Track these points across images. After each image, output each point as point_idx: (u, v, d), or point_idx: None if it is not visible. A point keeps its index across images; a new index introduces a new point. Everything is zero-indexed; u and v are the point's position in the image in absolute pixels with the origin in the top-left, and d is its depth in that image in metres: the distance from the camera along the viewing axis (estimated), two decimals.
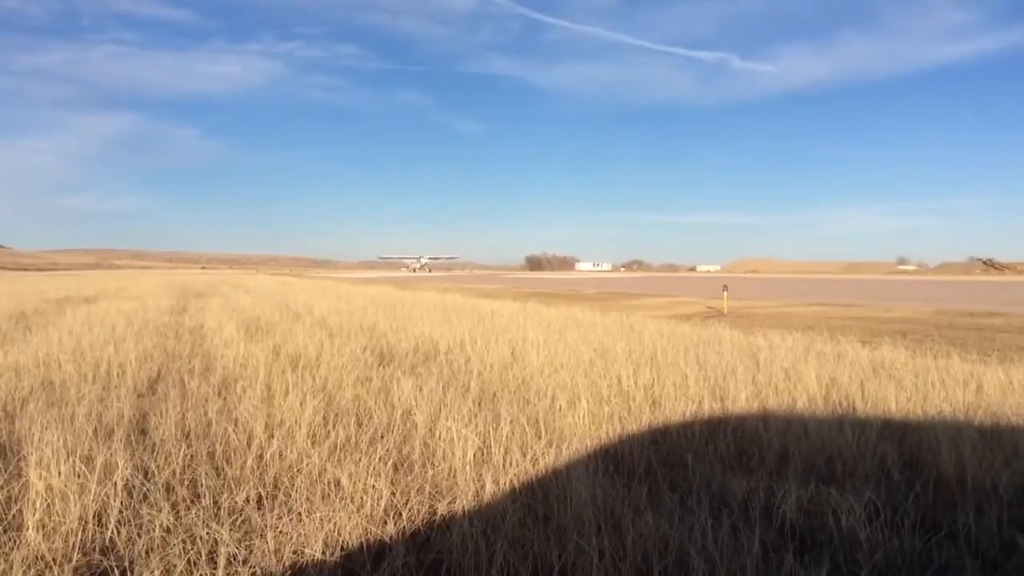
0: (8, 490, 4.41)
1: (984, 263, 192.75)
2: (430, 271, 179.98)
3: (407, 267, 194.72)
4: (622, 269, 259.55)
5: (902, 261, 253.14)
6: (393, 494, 4.48)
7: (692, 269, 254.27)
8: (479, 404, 7.11)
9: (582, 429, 6.11)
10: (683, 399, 7.22)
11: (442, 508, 4.35)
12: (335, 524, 4.01)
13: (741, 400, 7.22)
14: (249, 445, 5.52)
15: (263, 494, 4.67)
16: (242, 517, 4.26)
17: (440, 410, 6.51)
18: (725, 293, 26.25)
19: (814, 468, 5.24)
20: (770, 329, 14.43)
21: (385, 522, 4.15)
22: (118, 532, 4.04)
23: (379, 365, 9.78)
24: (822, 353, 10.86)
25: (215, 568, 3.56)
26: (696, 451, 5.63)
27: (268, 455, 5.28)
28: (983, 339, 15.14)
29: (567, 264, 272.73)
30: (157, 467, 4.98)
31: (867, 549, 3.81)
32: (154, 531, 3.99)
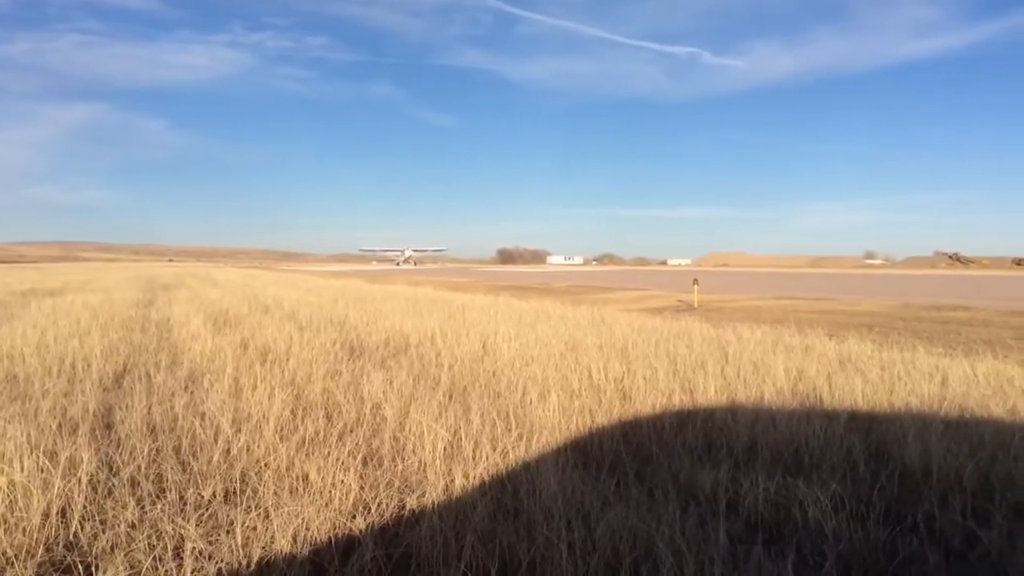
0: None
1: (950, 257, 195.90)
2: (415, 264, 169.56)
3: (391, 260, 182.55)
4: (593, 263, 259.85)
5: (869, 255, 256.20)
6: (362, 488, 4.45)
7: (663, 263, 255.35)
8: (450, 397, 7.09)
9: (553, 422, 6.11)
10: (653, 392, 7.25)
11: (411, 502, 4.34)
12: (303, 519, 3.97)
13: (710, 393, 7.27)
14: (216, 439, 5.47)
15: (230, 489, 4.62)
16: (209, 512, 4.21)
17: (410, 404, 6.48)
18: (695, 287, 26.40)
19: (781, 460, 5.29)
20: (739, 322, 14.57)
21: (354, 516, 4.12)
22: (82, 528, 3.97)
23: (349, 358, 9.72)
24: (790, 346, 10.98)
25: (181, 564, 3.51)
26: (665, 443, 5.65)
27: (235, 449, 5.24)
28: (948, 332, 15.37)
29: (539, 257, 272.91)
30: (122, 462, 4.91)
31: (833, 540, 3.84)
32: (119, 526, 3.93)
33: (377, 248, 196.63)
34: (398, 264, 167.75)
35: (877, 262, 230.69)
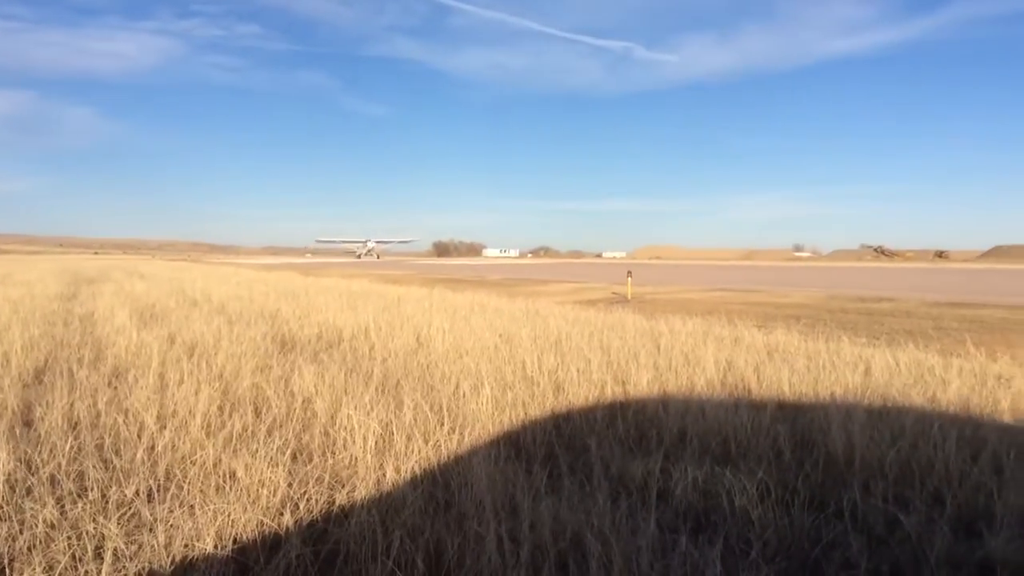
0: None
1: (875, 250, 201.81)
2: (378, 257, 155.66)
3: (352, 252, 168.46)
4: (529, 255, 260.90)
5: (798, 248, 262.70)
6: (290, 485, 4.37)
7: (599, 255, 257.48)
8: (382, 391, 7.04)
9: (486, 415, 6.11)
10: (586, 384, 7.29)
11: (341, 498, 4.28)
12: (229, 517, 3.89)
13: (642, 384, 7.34)
14: (140, 436, 5.33)
15: (154, 487, 4.51)
16: (131, 511, 4.09)
17: (343, 398, 6.40)
18: (629, 279, 26.66)
19: (710, 449, 5.38)
20: (672, 314, 14.77)
21: (281, 513, 4.05)
22: None
23: (280, 352, 9.59)
24: (720, 337, 11.17)
25: (101, 564, 3.41)
26: (598, 435, 5.69)
27: (160, 446, 5.11)
28: (872, 323, 15.82)
29: (475, 250, 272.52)
30: (42, 460, 4.75)
31: (759, 527, 3.92)
32: (37, 527, 3.79)
33: (337, 240, 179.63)
34: (359, 257, 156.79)
35: (805, 254, 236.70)
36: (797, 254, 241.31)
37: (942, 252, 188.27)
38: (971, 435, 5.37)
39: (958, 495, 4.37)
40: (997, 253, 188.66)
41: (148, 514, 4.02)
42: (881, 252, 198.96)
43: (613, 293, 27.37)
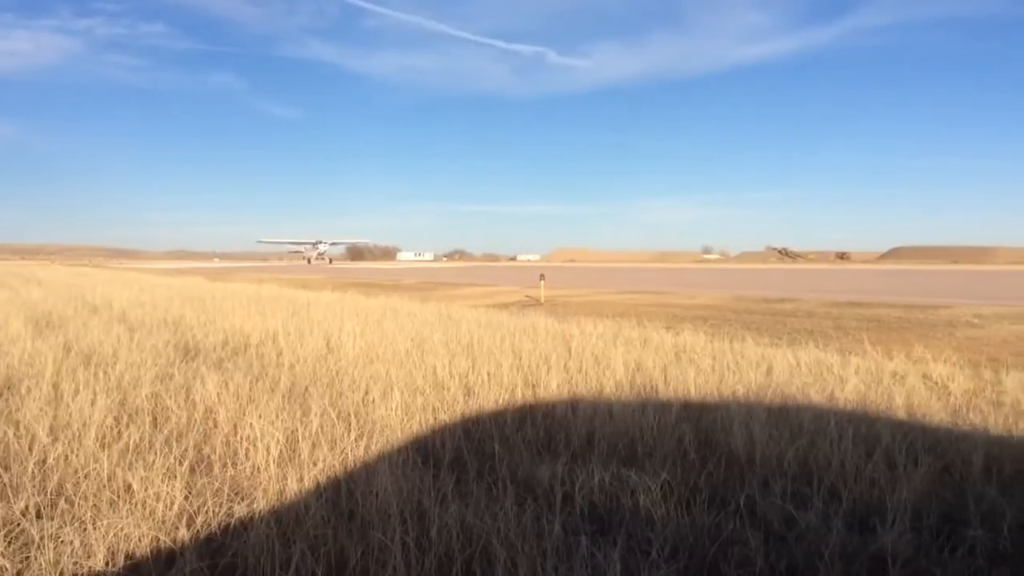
0: None
1: (779, 252, 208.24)
2: (330, 261, 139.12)
3: (300, 256, 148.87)
4: (444, 259, 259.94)
5: (707, 250, 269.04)
6: (187, 497, 4.23)
7: (513, 258, 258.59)
8: (289, 398, 6.90)
9: (395, 421, 6.05)
10: (497, 387, 7.29)
11: (240, 510, 4.16)
12: (122, 532, 3.74)
13: (552, 387, 7.38)
14: (31, 449, 5.07)
15: (44, 502, 4.30)
16: (19, 527, 3.89)
17: (247, 406, 6.25)
18: (542, 282, 26.83)
19: (617, 451, 5.43)
20: (583, 317, 14.93)
21: (177, 527, 3.92)
22: None
23: (183, 360, 9.28)
24: (630, 339, 11.33)
25: None
26: (507, 438, 5.69)
27: (52, 459, 4.88)
28: (775, 323, 16.31)
29: (389, 254, 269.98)
30: None
31: (660, 527, 3.97)
32: None
33: (283, 241, 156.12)
34: (309, 262, 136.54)
35: (714, 257, 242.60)
36: (706, 256, 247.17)
37: (843, 253, 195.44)
38: (867, 431, 5.57)
39: (853, 491, 4.50)
40: (896, 254, 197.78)
41: (37, 530, 3.83)
42: (785, 254, 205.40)
43: (526, 296, 27.50)
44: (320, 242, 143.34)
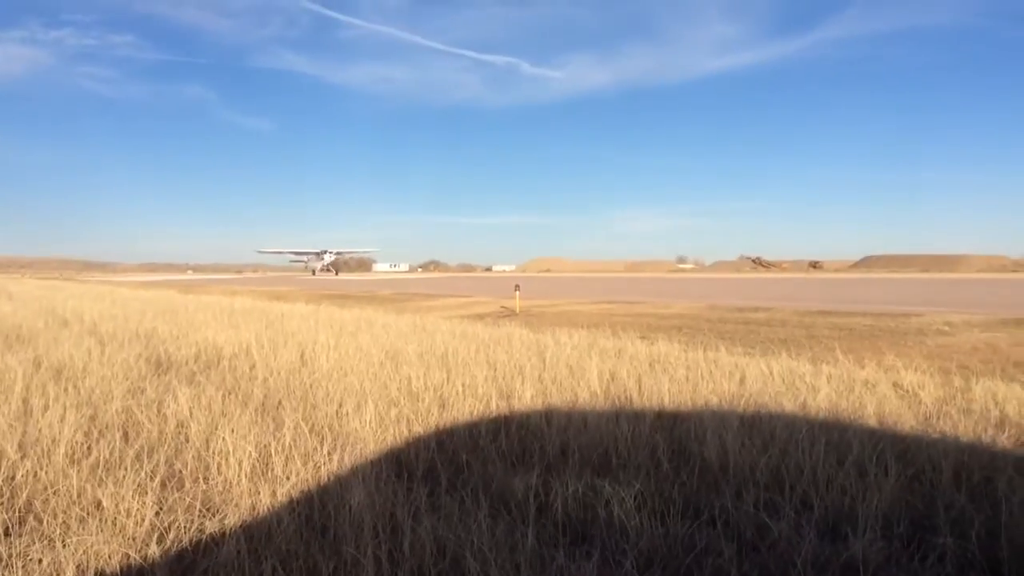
0: None
1: (753, 261, 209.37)
2: (337, 273, 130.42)
3: (304, 266, 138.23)
4: (419, 270, 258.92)
5: (681, 260, 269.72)
6: (158, 513, 4.19)
7: (488, 269, 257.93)
8: (262, 412, 6.85)
9: (368, 433, 6.02)
10: (471, 399, 7.27)
11: (212, 526, 4.12)
12: (92, 548, 3.71)
13: (527, 398, 7.38)
14: None
15: (12, 519, 4.25)
16: None
17: (219, 420, 6.19)
18: (517, 293, 26.82)
19: (591, 462, 5.44)
20: (559, 327, 14.94)
21: (148, 544, 3.87)
22: None
23: (155, 374, 9.20)
24: (604, 349, 11.36)
25: None
26: (481, 450, 5.68)
27: (20, 476, 4.82)
28: (749, 332, 16.40)
29: (364, 265, 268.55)
30: None
31: (635, 537, 3.98)
32: None
33: (284, 251, 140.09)
34: (314, 273, 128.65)
35: (688, 266, 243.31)
36: (681, 266, 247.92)
37: (816, 263, 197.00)
38: (838, 440, 5.60)
39: (825, 499, 4.54)
40: (867, 263, 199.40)
41: (4, 549, 3.78)
42: (759, 263, 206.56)
43: (502, 307, 27.49)
44: (326, 251, 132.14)
